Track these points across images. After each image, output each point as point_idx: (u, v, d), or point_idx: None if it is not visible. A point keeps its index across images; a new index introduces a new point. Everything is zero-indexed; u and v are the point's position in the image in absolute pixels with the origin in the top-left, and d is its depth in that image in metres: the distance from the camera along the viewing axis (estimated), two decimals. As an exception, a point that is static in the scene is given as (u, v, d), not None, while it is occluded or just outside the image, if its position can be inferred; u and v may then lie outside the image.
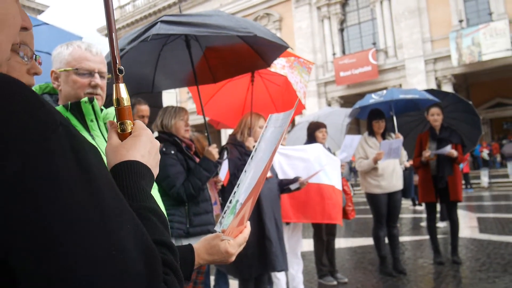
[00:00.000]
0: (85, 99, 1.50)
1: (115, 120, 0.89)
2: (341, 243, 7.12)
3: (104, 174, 0.56)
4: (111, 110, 1.74)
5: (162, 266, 0.59)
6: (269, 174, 3.35)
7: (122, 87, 0.87)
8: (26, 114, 0.49)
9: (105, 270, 0.48)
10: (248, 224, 1.13)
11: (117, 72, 0.86)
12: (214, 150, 2.95)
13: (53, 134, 0.50)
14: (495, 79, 22.32)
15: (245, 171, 1.19)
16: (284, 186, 3.57)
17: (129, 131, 0.86)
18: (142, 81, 3.52)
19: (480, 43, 19.32)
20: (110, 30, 0.85)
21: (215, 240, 1.07)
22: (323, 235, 4.84)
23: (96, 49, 1.66)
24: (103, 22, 38.56)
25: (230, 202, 1.17)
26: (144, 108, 3.71)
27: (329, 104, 23.90)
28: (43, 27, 3.56)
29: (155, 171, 0.85)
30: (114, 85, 0.86)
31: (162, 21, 2.57)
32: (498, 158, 22.90)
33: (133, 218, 0.57)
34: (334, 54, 24.28)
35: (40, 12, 29.60)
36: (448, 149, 4.90)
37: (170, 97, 4.37)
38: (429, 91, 5.91)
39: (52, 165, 0.48)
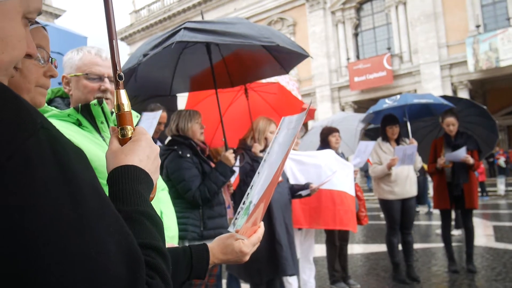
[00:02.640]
0: (95, 101, 1.53)
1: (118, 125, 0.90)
2: (354, 249, 7.07)
3: (87, 177, 0.56)
4: None
5: (146, 269, 0.59)
6: (279, 178, 3.34)
7: (123, 93, 0.88)
8: (4, 116, 0.49)
9: (82, 271, 0.48)
10: (261, 224, 1.14)
11: (117, 79, 0.87)
12: (230, 155, 2.96)
13: (32, 136, 0.50)
14: (513, 85, 21.98)
15: (258, 173, 1.20)
16: (295, 192, 3.56)
17: (129, 136, 0.87)
18: (160, 84, 3.56)
19: (497, 48, 19.06)
20: (110, 37, 0.86)
21: (229, 239, 1.08)
22: (336, 241, 4.81)
23: (106, 54, 1.69)
24: (119, 26, 39.04)
25: (243, 203, 1.18)
26: (162, 115, 3.74)
27: (342, 109, 23.81)
28: (48, 28, 3.60)
29: (155, 176, 0.86)
30: (115, 91, 0.88)
31: (185, 28, 2.59)
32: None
33: (117, 220, 0.58)
34: (348, 59, 24.19)
35: (57, 16, 30.10)
36: (463, 154, 4.82)
37: (184, 101, 4.38)
38: (442, 97, 5.85)
39: (29, 167, 0.48)
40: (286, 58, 3.25)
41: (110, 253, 0.52)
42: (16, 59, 0.62)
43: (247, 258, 1.09)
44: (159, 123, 3.76)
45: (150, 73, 3.20)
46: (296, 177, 4.02)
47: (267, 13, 26.81)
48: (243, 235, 1.08)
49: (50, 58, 1.25)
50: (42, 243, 0.47)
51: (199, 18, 3.33)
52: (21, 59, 0.64)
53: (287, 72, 3.49)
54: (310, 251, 4.39)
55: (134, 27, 33.50)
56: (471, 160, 4.83)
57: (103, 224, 0.54)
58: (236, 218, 1.18)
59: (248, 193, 1.18)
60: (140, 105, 4.31)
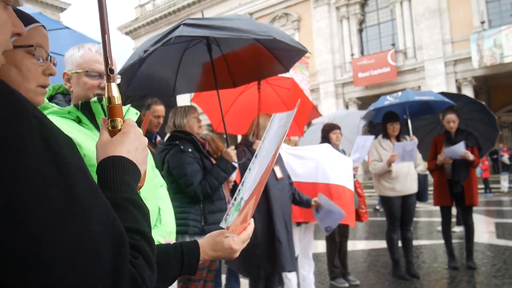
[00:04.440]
0: (94, 98, 1.56)
1: (108, 117, 0.94)
2: (354, 245, 7.09)
3: (76, 162, 0.60)
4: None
5: (130, 250, 0.62)
6: (280, 175, 3.37)
7: (114, 86, 0.92)
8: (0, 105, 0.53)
9: (71, 251, 0.52)
10: (251, 221, 1.16)
11: (109, 72, 0.91)
12: (232, 151, 2.99)
13: (24, 124, 0.54)
14: (517, 81, 21.87)
15: (249, 169, 1.22)
16: (295, 202, 3.61)
17: (119, 128, 0.91)
18: (164, 85, 3.59)
19: (502, 44, 18.97)
20: (103, 31, 0.89)
21: (219, 236, 1.12)
22: (336, 237, 4.83)
23: None
24: (124, 20, 39.06)
25: (235, 200, 1.20)
26: (160, 108, 3.78)
27: (346, 105, 23.80)
28: (65, 31, 3.65)
29: (143, 167, 0.89)
30: (106, 84, 0.91)
31: (184, 24, 2.62)
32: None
33: (104, 204, 0.61)
34: (352, 54, 24.13)
35: (62, 10, 30.15)
36: (462, 149, 4.81)
37: (183, 97, 4.40)
38: (441, 94, 5.85)
39: (21, 152, 0.52)
40: (286, 56, 3.26)
41: (97, 234, 0.56)
42: (2, 44, 0.64)
43: (236, 254, 1.12)
44: (158, 117, 3.81)
45: (153, 73, 3.24)
46: (294, 171, 4.03)
47: (272, 8, 26.73)
48: (233, 231, 1.11)
49: (49, 57, 1.27)
50: (33, 224, 0.50)
51: (201, 15, 3.36)
52: (7, 43, 0.66)
53: (287, 70, 3.50)
54: (309, 247, 4.41)
55: (139, 21, 33.51)
56: (470, 156, 4.83)
57: (91, 206, 0.57)
58: (227, 214, 1.21)
59: (240, 189, 1.21)
60: (139, 101, 4.34)
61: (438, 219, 9.58)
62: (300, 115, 4.60)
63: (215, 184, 2.90)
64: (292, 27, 25.92)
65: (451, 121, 5.01)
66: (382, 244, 6.79)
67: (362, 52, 24.43)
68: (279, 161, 3.51)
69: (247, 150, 3.34)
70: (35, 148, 0.53)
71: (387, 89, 21.63)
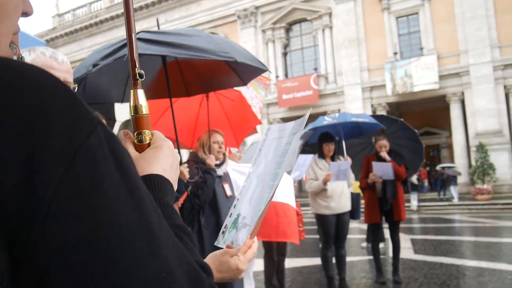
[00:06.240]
0: None
1: (131, 130, 0.81)
2: (285, 263, 7.16)
3: (141, 181, 0.50)
4: None
5: None
6: (229, 193, 3.33)
7: (141, 93, 0.79)
8: (66, 110, 0.43)
9: None
10: (255, 239, 1.10)
11: (137, 77, 0.79)
12: (185, 170, 2.87)
13: (93, 132, 0.44)
14: (424, 109, 24.03)
15: (245, 185, 1.18)
16: None
17: (148, 142, 0.78)
18: (112, 92, 3.38)
19: (412, 75, 20.82)
20: (129, 30, 0.77)
21: (224, 256, 1.03)
22: (274, 255, 4.85)
23: (62, 57, 1.57)
24: (41, 28, 36.80)
25: (230, 216, 1.14)
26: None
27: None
28: None
29: (175, 186, 0.78)
30: (132, 90, 0.79)
31: (139, 39, 2.46)
32: (426, 183, 24.49)
33: (172, 234, 0.51)
34: (277, 76, 24.89)
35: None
36: (390, 171, 5.12)
37: (122, 108, 4.19)
38: (379, 116, 6.22)
39: (95, 168, 0.42)
40: (245, 70, 3.24)
41: (176, 273, 0.47)
42: (14, 26, 0.54)
43: (242, 275, 1.04)
44: None
45: (101, 80, 3.03)
46: (240, 188, 4.01)
47: (200, 27, 26.75)
48: (241, 251, 1.04)
49: (21, 57, 1.14)
50: (112, 262, 0.40)
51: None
52: (16, 25, 0.55)
53: (245, 84, 3.47)
54: (251, 266, 4.38)
55: (57, 31, 31.73)
56: (387, 157, 5.23)
57: (165, 238, 0.48)
58: (223, 232, 1.14)
59: (235, 205, 1.16)
60: None
61: (358, 236, 10.07)
62: (242, 127, 4.56)
63: None
64: (219, 46, 26.15)
65: (383, 146, 5.34)
66: (311, 261, 6.95)
67: (286, 75, 25.33)
68: (227, 178, 3.46)
69: (199, 167, 3.26)
70: (106, 164, 0.44)
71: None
